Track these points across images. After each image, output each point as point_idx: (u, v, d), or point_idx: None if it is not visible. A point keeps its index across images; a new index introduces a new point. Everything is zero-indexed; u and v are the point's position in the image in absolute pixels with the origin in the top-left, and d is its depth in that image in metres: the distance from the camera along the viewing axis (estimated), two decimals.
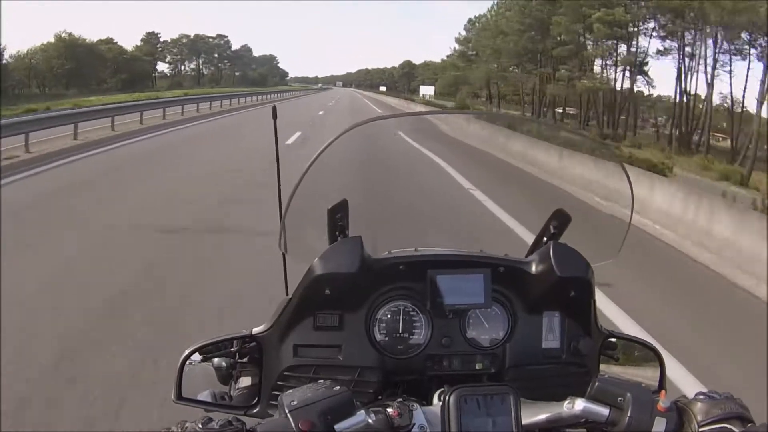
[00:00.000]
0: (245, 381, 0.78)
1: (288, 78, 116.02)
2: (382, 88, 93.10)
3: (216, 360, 0.77)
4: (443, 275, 0.72)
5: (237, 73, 75.99)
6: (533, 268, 0.73)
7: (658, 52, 24.56)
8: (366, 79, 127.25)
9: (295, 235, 0.77)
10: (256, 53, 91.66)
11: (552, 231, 0.82)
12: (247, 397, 0.76)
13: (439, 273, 0.72)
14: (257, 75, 79.38)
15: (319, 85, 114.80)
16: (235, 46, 75.54)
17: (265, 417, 0.68)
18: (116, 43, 50.84)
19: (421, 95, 60.70)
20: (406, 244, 0.80)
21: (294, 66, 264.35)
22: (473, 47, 45.41)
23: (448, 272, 0.72)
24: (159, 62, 60.71)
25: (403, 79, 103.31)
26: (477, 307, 0.73)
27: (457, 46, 58.87)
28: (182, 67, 65.86)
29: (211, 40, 68.52)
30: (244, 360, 0.76)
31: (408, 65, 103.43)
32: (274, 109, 0.86)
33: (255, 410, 0.74)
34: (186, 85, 55.12)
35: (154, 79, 57.52)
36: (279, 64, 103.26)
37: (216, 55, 69.41)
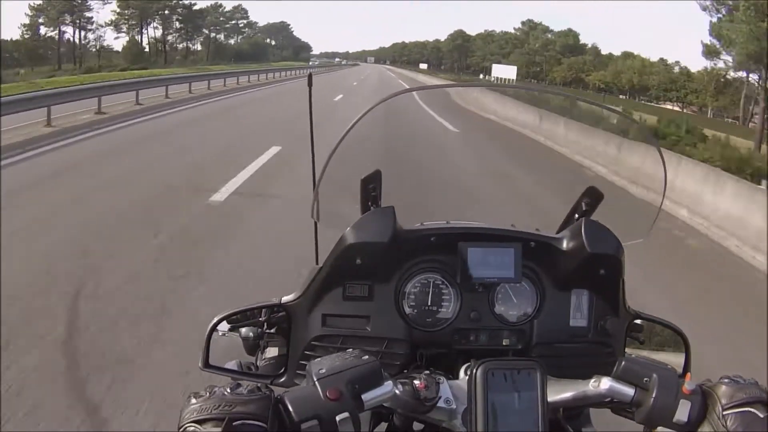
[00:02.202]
0: (272, 351, 1.04)
1: (312, 53, 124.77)
2: (423, 66, 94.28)
3: (243, 330, 1.01)
4: (474, 248, 0.95)
5: (230, 41, 76.32)
6: (564, 245, 0.96)
7: None
8: (402, 55, 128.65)
9: (328, 203, 1.01)
10: (265, 22, 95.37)
11: (584, 208, 1.06)
12: (274, 368, 1.01)
13: (469, 246, 0.95)
14: (250, 47, 78.86)
15: (338, 60, 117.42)
16: (228, 8, 76.00)
17: (292, 386, 0.93)
18: None
19: (493, 78, 58.97)
20: (438, 217, 1.05)
21: (321, 40, 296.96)
22: None
23: (479, 245, 0.95)
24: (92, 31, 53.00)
25: (452, 54, 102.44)
26: (507, 281, 0.96)
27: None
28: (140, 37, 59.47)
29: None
30: (272, 330, 1.01)
31: (461, 36, 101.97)
32: (310, 77, 1.10)
33: (282, 380, 0.97)
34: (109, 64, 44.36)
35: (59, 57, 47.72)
36: (295, 33, 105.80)
37: (178, 20, 63.16)
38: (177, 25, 65.59)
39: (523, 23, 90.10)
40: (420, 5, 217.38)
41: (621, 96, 63.23)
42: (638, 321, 1.04)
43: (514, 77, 60.71)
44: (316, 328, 0.96)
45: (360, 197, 1.02)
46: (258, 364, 1.05)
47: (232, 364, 1.01)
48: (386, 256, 0.94)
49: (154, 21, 60.69)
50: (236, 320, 1.00)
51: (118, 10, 56.58)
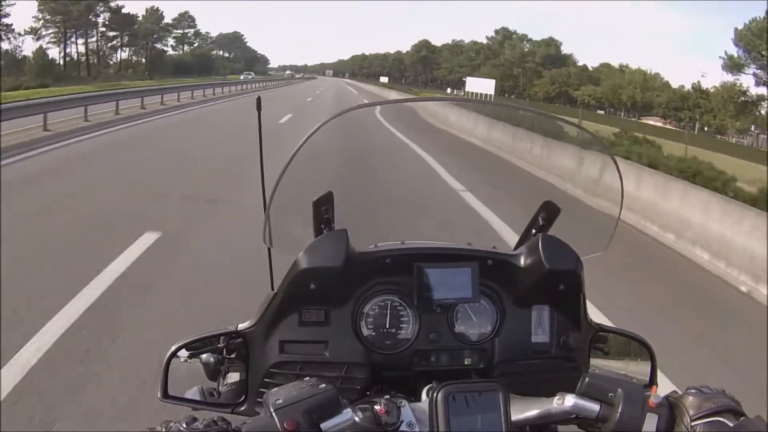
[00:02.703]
0: (233, 377, 1.07)
1: (270, 66, 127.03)
2: (384, 79, 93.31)
3: (204, 356, 1.05)
4: (430, 269, 1.00)
5: (177, 52, 74.87)
6: (522, 261, 1.02)
7: None
8: (362, 67, 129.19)
9: (280, 228, 1.05)
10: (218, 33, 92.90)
11: (541, 223, 1.13)
12: (235, 394, 1.04)
13: (426, 266, 1.00)
14: (194, 58, 76.87)
15: (289, 73, 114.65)
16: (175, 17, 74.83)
17: (253, 415, 0.97)
18: None
19: (467, 93, 56.00)
20: (393, 238, 1.11)
21: (280, 54, 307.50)
22: None
23: (435, 266, 1.00)
24: None
25: (416, 66, 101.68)
26: (465, 302, 1.02)
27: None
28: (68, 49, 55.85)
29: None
30: (232, 356, 1.04)
31: (425, 47, 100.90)
32: (259, 100, 1.15)
33: (242, 408, 1.01)
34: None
35: None
36: (250, 45, 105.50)
37: (111, 27, 59.24)
38: (111, 33, 62.93)
39: (496, 32, 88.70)
40: (381, 15, 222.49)
41: (621, 114, 61.60)
42: (602, 333, 1.11)
43: (492, 92, 58.76)
44: (274, 355, 1.01)
45: (312, 220, 1.06)
46: (220, 389, 1.08)
47: (193, 392, 1.04)
48: (341, 280, 0.98)
49: (81, 28, 56.75)
50: (195, 347, 1.04)
51: (39, 15, 51.99)
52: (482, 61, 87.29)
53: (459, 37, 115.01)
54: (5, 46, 50.61)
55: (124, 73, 59.63)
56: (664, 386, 0.87)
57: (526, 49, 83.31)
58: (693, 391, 0.81)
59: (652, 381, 1.08)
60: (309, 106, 26.91)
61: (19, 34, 53.57)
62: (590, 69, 77.58)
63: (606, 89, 67.01)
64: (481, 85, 61.37)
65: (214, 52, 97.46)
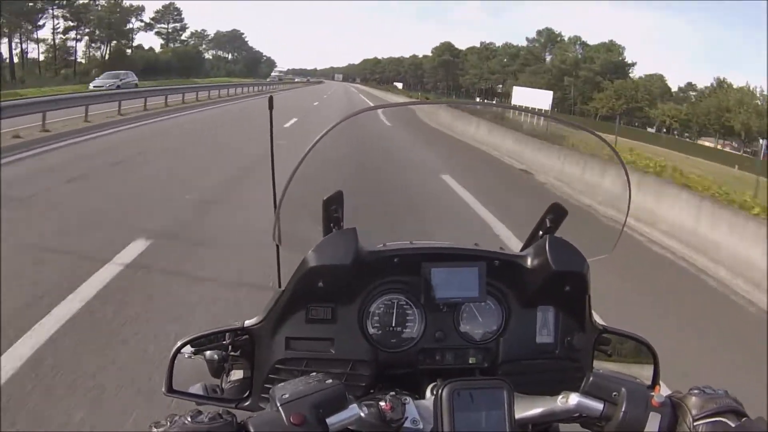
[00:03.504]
0: (237, 374, 1.19)
1: (277, 68, 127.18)
2: (398, 85, 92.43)
3: (208, 353, 1.17)
4: (437, 268, 1.12)
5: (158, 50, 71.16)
6: (528, 262, 1.14)
7: None
8: (374, 72, 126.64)
9: (289, 226, 1.18)
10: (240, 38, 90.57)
11: (548, 225, 1.25)
12: (239, 390, 1.16)
13: (433, 266, 1.12)
14: (175, 56, 72.99)
15: (277, 74, 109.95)
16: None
17: (257, 410, 1.08)
18: None
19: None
20: (401, 237, 1.23)
21: (289, 58, 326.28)
22: None
23: (442, 265, 1.12)
24: None
25: (437, 72, 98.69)
26: (471, 301, 1.14)
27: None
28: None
29: None
30: (236, 353, 1.17)
31: (448, 50, 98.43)
32: (271, 99, 1.29)
33: (246, 403, 1.13)
34: None
35: None
36: (251, 44, 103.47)
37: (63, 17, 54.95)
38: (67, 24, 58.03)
39: (539, 32, 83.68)
40: (395, 17, 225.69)
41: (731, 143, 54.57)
42: (605, 334, 1.23)
43: (549, 106, 52.45)
44: (280, 352, 1.13)
45: (322, 219, 1.20)
46: (223, 386, 1.21)
47: (197, 388, 1.16)
48: (349, 278, 1.10)
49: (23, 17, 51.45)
50: (200, 344, 1.16)
51: None
52: (519, 67, 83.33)
53: (489, 39, 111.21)
54: None
55: (68, 75, 54.34)
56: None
57: (578, 55, 77.55)
58: (696, 391, 0.91)
59: (655, 382, 1.20)
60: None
61: None
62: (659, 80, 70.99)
63: (710, 108, 60.05)
64: (533, 97, 53.98)
65: (213, 52, 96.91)
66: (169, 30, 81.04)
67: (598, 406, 0.93)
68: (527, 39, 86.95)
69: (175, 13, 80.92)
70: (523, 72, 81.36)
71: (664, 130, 64.29)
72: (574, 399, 0.94)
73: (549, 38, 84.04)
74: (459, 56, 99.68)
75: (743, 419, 0.88)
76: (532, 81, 70.80)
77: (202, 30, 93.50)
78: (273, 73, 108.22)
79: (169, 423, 0.79)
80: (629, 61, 77.33)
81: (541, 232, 1.28)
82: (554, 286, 1.14)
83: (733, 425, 0.86)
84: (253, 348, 1.16)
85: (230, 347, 1.19)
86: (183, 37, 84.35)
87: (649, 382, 1.21)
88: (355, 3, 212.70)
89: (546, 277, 1.13)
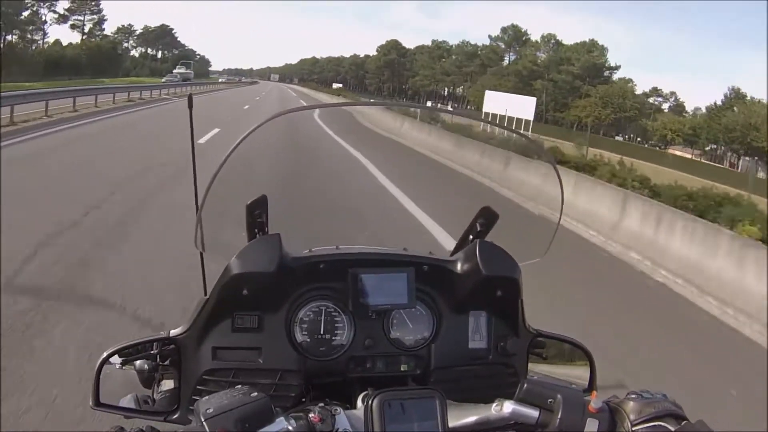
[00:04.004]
0: (168, 384, 1.22)
1: (210, 69, 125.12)
2: (338, 86, 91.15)
3: (138, 363, 1.20)
4: (365, 274, 1.17)
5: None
6: (458, 267, 1.20)
7: None
8: (313, 72, 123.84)
9: (213, 232, 1.22)
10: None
11: (478, 229, 1.31)
12: (169, 402, 1.20)
13: (361, 272, 1.16)
14: (84, 53, 66.48)
15: (177, 74, 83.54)
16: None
17: (186, 423, 1.13)
18: None
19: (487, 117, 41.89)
20: (328, 242, 1.28)
21: (224, 58, 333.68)
22: None
23: (370, 271, 1.17)
24: None
25: (381, 73, 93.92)
26: (400, 307, 1.19)
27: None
28: None
29: None
30: (166, 362, 1.19)
31: (395, 48, 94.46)
32: (190, 98, 1.31)
33: (175, 416, 1.16)
34: None
35: None
36: (181, 41, 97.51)
37: None
38: None
39: (504, 29, 78.66)
40: (333, 18, 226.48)
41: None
42: (540, 338, 1.30)
43: (531, 116, 45.70)
44: (207, 362, 1.17)
45: (246, 224, 1.23)
46: (155, 396, 1.24)
47: (127, 399, 1.19)
48: (274, 286, 1.15)
49: None
50: (128, 353, 1.19)
51: None
52: (478, 68, 79.56)
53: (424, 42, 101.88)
54: None
55: None
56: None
57: (552, 56, 71.47)
58: (634, 395, 0.96)
59: (592, 386, 1.27)
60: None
61: None
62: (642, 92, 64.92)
63: (717, 126, 55.36)
64: (511, 104, 45.41)
65: (141, 49, 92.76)
66: (84, 22, 77.10)
67: (534, 413, 0.98)
68: (490, 37, 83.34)
69: (92, 3, 77.21)
70: (482, 74, 77.73)
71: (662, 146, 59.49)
72: (508, 406, 0.99)
73: (515, 36, 79.96)
74: (407, 55, 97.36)
75: (683, 422, 0.93)
76: (495, 84, 65.85)
77: (128, 25, 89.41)
78: (175, 70, 78.54)
79: None
80: (612, 64, 72.78)
81: (471, 236, 1.35)
82: (485, 291, 1.20)
83: (672, 429, 0.92)
84: (180, 358, 1.20)
85: (158, 357, 1.22)
86: (107, 32, 79.61)
87: (586, 384, 1.29)
88: (292, 2, 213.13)
89: (477, 282, 1.19)
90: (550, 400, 0.96)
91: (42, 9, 67.77)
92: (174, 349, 1.20)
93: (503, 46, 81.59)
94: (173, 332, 1.21)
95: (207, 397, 0.91)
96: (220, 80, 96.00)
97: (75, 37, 73.00)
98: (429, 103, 79.73)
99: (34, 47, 68.01)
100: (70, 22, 74.23)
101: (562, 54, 74.02)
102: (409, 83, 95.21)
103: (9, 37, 63.22)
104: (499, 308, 1.25)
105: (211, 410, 0.87)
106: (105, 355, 1.17)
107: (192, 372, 1.19)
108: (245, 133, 1.15)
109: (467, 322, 1.25)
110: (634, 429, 0.94)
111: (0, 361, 3.35)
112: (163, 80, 51.99)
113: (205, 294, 1.22)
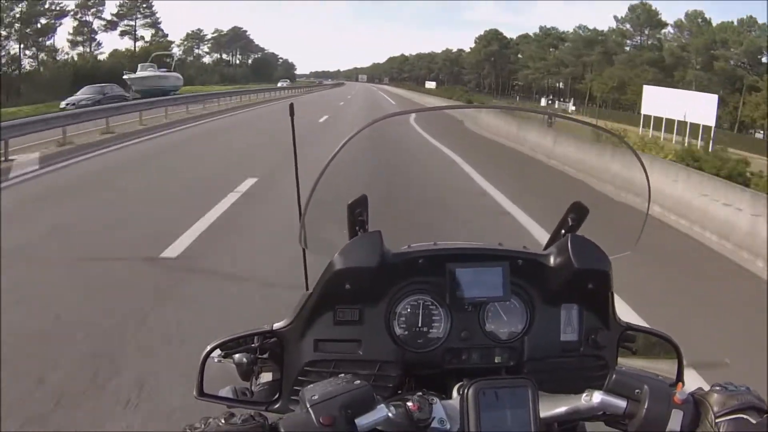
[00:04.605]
0: (266, 377, 1.39)
1: (296, 73, 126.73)
2: (430, 85, 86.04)
3: (237, 356, 1.38)
4: (462, 268, 1.29)
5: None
6: (551, 261, 1.32)
7: None
8: (402, 71, 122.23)
9: (315, 230, 1.38)
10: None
11: (570, 223, 1.44)
12: (269, 393, 1.36)
13: (458, 266, 1.29)
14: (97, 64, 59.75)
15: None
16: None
17: (287, 412, 1.23)
18: None
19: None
20: (426, 239, 1.42)
21: (309, 60, 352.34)
22: None
23: (466, 265, 1.30)
24: None
25: (481, 67, 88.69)
26: (496, 300, 1.31)
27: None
28: None
29: None
30: (265, 356, 1.36)
31: (496, 39, 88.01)
32: (291, 106, 1.49)
33: (276, 406, 1.32)
34: None
35: None
36: (257, 43, 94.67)
37: None
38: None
39: (632, 8, 68.47)
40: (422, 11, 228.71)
41: None
42: (630, 331, 1.41)
43: (713, 121, 37.79)
44: (309, 354, 1.32)
45: (347, 222, 1.39)
46: (253, 389, 1.40)
47: (226, 391, 1.36)
48: (375, 280, 1.29)
49: None
50: (229, 347, 1.36)
51: None
52: (599, 56, 71.38)
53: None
54: None
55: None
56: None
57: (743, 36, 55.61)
58: (718, 388, 1.04)
59: (679, 378, 1.37)
60: None
61: None
62: None
63: None
64: (685, 104, 38.30)
65: (216, 55, 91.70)
66: (136, 27, 74.49)
67: (622, 403, 1.07)
68: (615, 18, 72.99)
69: (144, 6, 73.25)
70: (605, 63, 68.96)
71: None
72: (597, 397, 1.08)
73: (648, 17, 67.21)
74: (509, 46, 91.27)
75: (765, 415, 0.99)
76: (630, 76, 57.66)
77: (198, 29, 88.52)
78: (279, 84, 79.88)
79: (203, 425, 0.93)
80: None
81: (563, 231, 1.48)
82: (577, 284, 1.32)
83: (754, 422, 0.98)
84: (282, 351, 1.36)
85: (259, 350, 1.39)
86: (170, 39, 75.80)
87: (674, 377, 1.39)
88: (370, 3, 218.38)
89: (569, 276, 1.31)
90: (637, 390, 1.06)
91: (86, 16, 64.36)
92: (276, 342, 1.36)
93: (631, 30, 71.91)
94: (276, 325, 1.36)
95: (311, 385, 1.02)
96: (279, 84, 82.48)
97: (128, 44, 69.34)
98: (543, 101, 76.18)
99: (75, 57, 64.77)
100: (119, 29, 72.23)
101: (713, 36, 60.88)
102: (517, 77, 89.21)
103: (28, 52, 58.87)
104: (590, 301, 1.36)
105: (316, 397, 0.98)
106: (209, 347, 1.34)
107: (294, 364, 1.34)
108: (344, 140, 1.32)
109: (559, 314, 1.37)
110: (717, 421, 1.00)
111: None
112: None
113: (308, 289, 1.37)
